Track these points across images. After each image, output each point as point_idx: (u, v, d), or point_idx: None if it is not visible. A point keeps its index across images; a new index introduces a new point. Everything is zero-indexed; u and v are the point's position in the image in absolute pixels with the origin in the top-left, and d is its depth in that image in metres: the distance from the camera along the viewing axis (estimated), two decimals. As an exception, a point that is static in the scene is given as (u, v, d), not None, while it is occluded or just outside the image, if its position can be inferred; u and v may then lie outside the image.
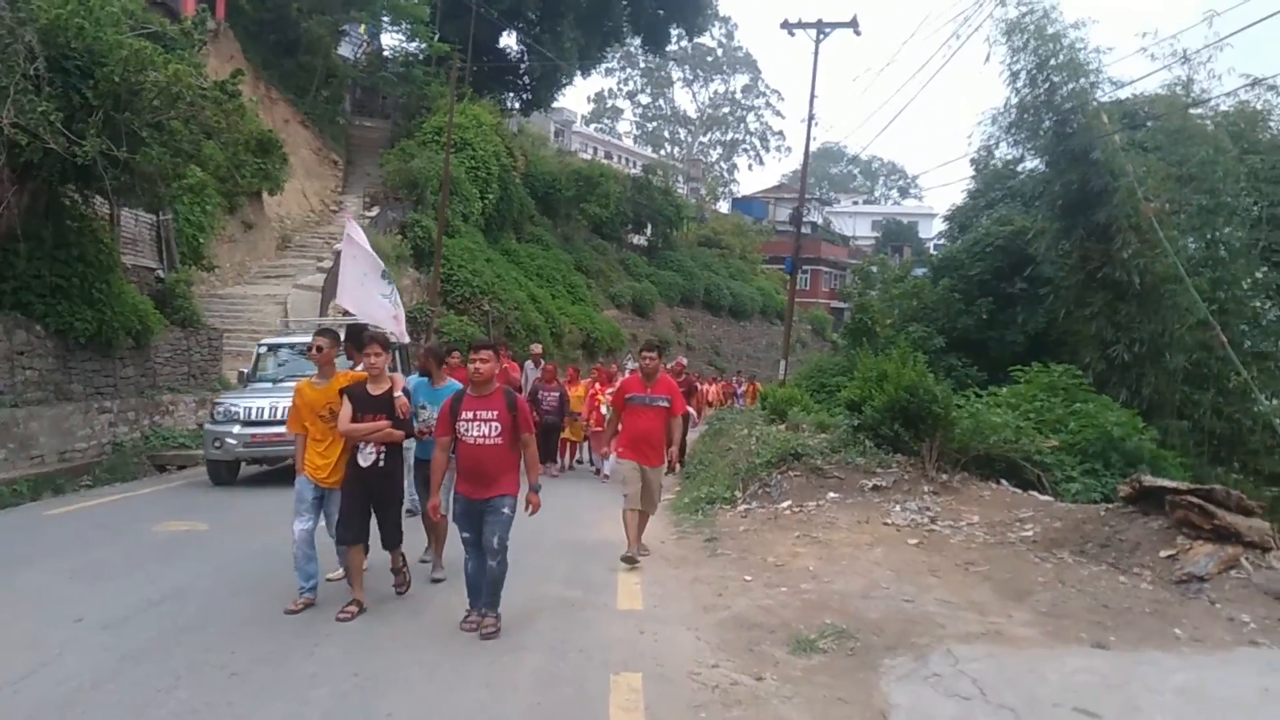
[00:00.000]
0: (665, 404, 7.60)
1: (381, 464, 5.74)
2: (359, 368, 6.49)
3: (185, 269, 16.60)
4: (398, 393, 5.86)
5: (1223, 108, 17.17)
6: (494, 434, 5.45)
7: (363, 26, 32.19)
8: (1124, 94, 16.48)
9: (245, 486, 11.36)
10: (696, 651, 5.21)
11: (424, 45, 31.50)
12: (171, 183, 12.29)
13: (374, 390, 5.82)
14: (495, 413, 5.47)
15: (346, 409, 5.70)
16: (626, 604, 6.25)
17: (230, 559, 7.28)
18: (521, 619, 5.70)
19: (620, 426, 7.76)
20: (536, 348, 16.47)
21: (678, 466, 11.76)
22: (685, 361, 14.99)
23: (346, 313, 12.11)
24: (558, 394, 13.17)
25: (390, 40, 35.25)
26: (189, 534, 8.17)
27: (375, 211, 24.93)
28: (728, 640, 5.42)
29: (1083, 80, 14.87)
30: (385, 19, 30.63)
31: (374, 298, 11.25)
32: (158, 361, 14.46)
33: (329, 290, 19.92)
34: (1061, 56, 14.71)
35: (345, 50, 33.79)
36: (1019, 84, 15.28)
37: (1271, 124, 17.94)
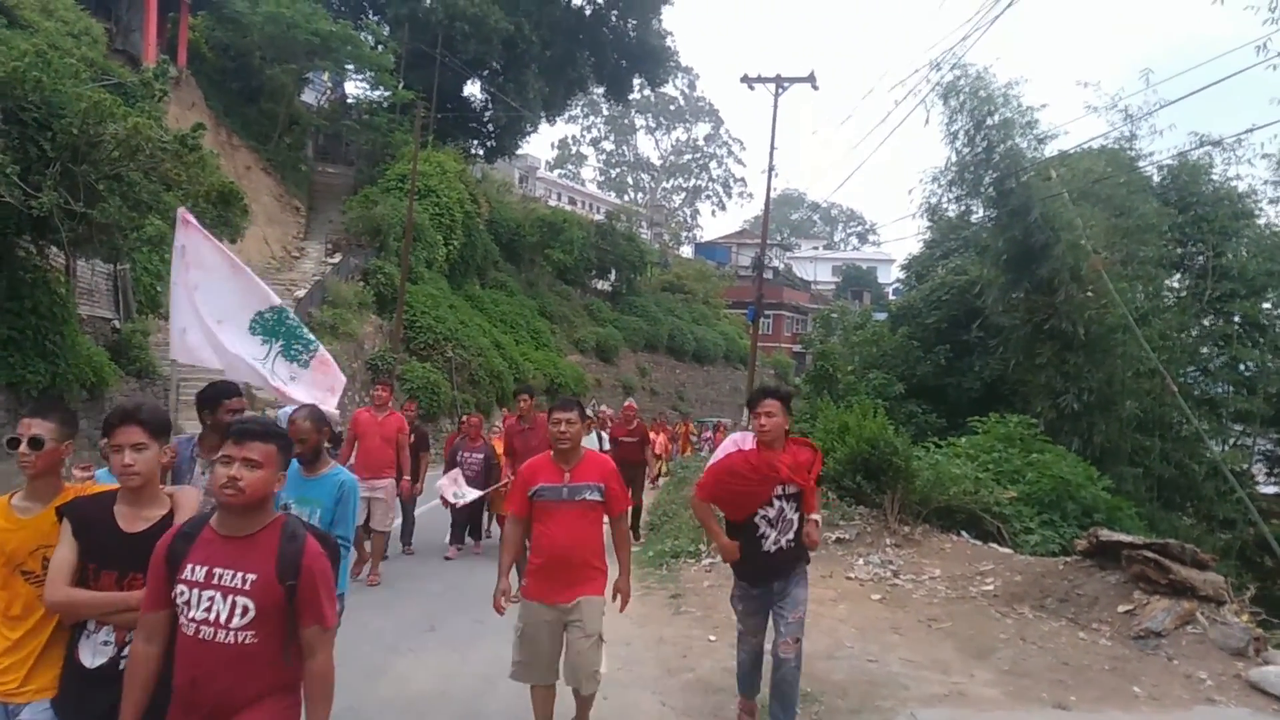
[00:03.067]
0: (596, 497, 4.46)
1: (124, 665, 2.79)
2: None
3: (142, 318, 16.36)
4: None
5: (1166, 160, 17.77)
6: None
7: (326, 74, 32.27)
8: (1066, 145, 16.96)
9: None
10: (660, 718, 5.17)
11: (388, 93, 31.68)
12: (130, 234, 12.13)
13: (131, 517, 2.98)
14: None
15: (65, 552, 2.88)
16: (590, 667, 6.18)
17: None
18: (483, 685, 5.62)
19: (529, 543, 4.67)
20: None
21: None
22: (635, 406, 12.52)
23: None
24: (483, 455, 10.23)
25: (354, 88, 35.39)
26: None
27: (338, 258, 24.83)
28: (692, 706, 5.39)
29: (1018, 139, 15.28)
30: (349, 67, 30.74)
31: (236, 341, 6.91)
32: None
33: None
34: (996, 117, 15.12)
35: (309, 97, 33.84)
36: (958, 144, 15.67)
37: (1214, 175, 18.58)
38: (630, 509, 10.18)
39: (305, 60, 28.12)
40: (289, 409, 5.23)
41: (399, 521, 9.56)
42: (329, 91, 34.93)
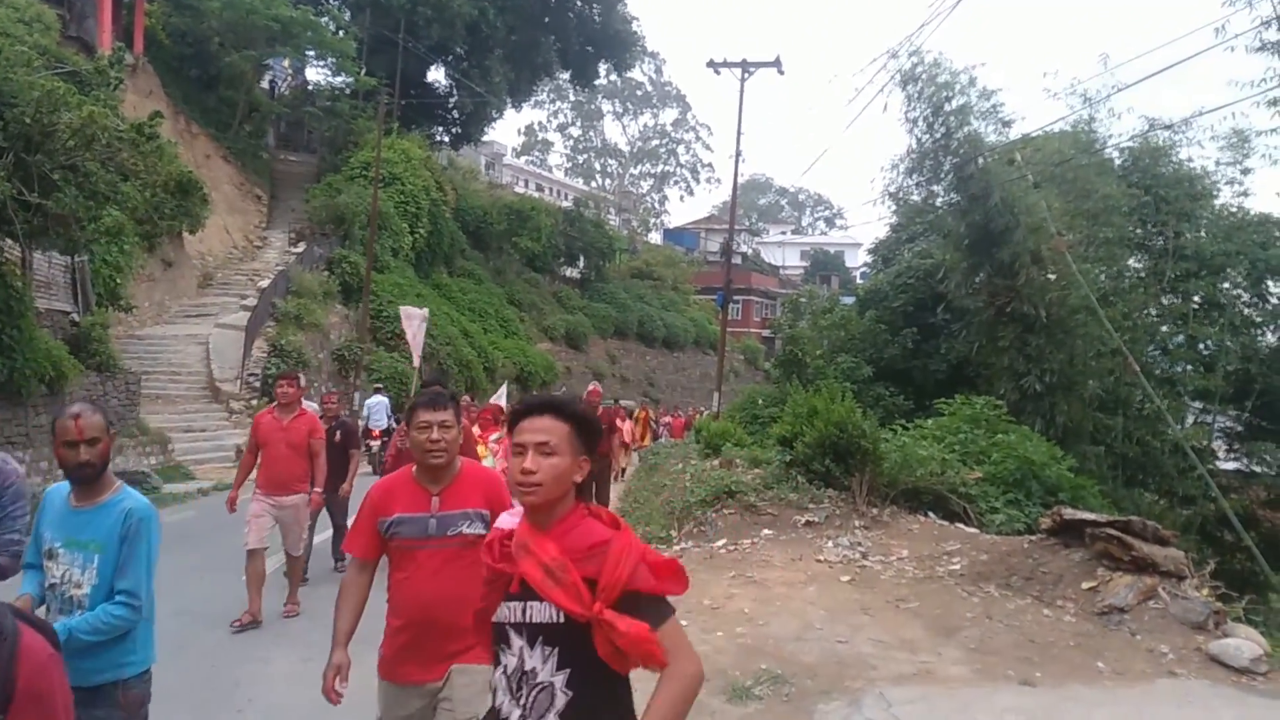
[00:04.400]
0: (479, 529, 3.08)
1: None
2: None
3: (102, 311, 16.07)
4: None
5: (1126, 143, 18.03)
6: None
7: (286, 61, 31.80)
8: (1027, 128, 17.12)
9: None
10: (633, 702, 5.19)
11: (350, 79, 31.31)
12: (87, 226, 11.91)
13: None
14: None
15: None
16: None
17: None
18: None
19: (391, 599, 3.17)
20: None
21: None
22: (600, 390, 11.35)
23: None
24: None
25: (315, 74, 34.96)
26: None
27: (301, 247, 24.55)
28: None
29: (977, 124, 15.41)
30: (310, 53, 30.32)
31: None
32: (72, 409, 13.93)
33: (253, 330, 19.53)
34: (954, 102, 15.22)
35: (269, 84, 33.36)
36: (917, 130, 15.77)
37: (1173, 158, 18.90)
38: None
39: (265, 46, 27.70)
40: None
41: (327, 535, 8.81)
42: (290, 78, 34.45)
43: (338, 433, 8.30)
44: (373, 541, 3.14)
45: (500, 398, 13.64)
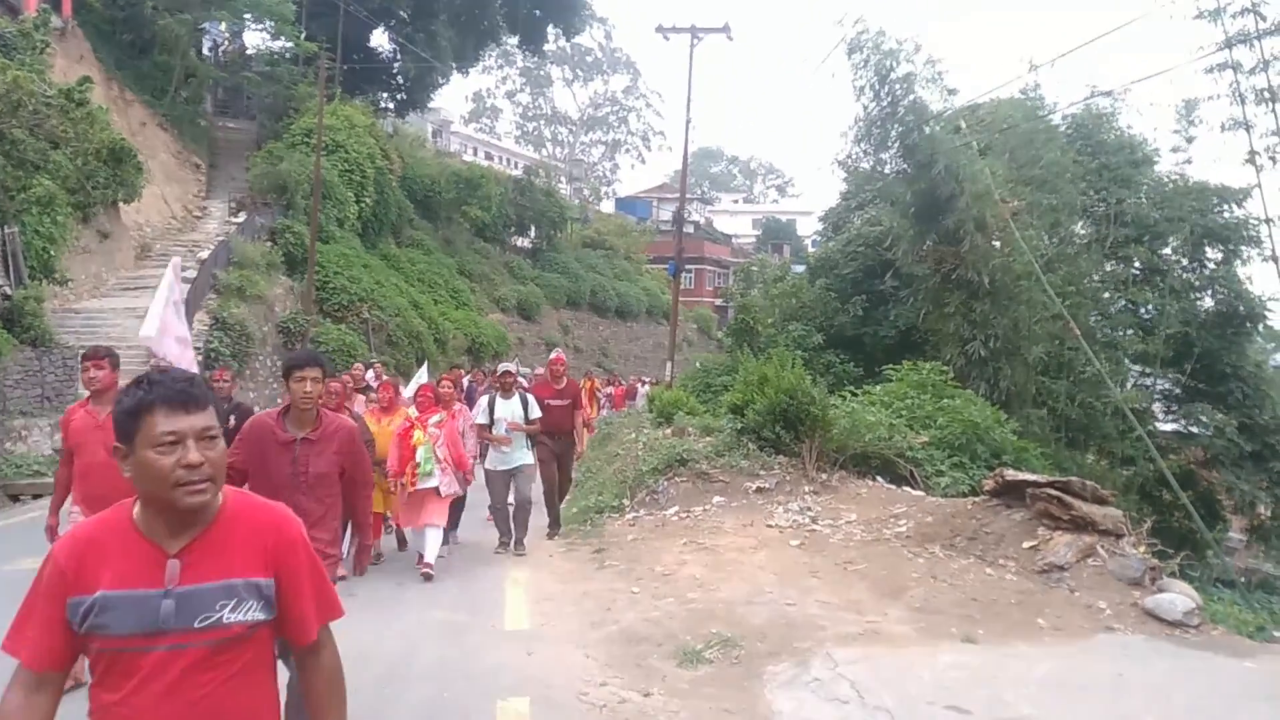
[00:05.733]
0: (256, 615, 1.91)
1: None
2: None
3: (35, 284, 15.51)
4: None
5: (1069, 109, 18.29)
6: None
7: (223, 24, 30.79)
8: (970, 98, 17.25)
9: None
10: (585, 670, 5.21)
11: (290, 44, 30.41)
12: (15, 195, 11.47)
13: None
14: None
15: None
16: (513, 624, 6.20)
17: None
18: (406, 646, 5.58)
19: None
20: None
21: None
22: (564, 359, 9.67)
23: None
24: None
25: (254, 38, 33.89)
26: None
27: (243, 217, 23.91)
28: (616, 656, 5.44)
29: (922, 92, 15.51)
30: (247, 16, 29.36)
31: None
32: (7, 384, 13.49)
33: (193, 302, 19.02)
34: (899, 70, 15.30)
35: (206, 49, 32.28)
36: (864, 99, 15.83)
37: (1115, 125, 19.23)
38: (553, 493, 9.16)
39: (200, 10, 26.78)
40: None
41: None
42: (227, 42, 33.38)
43: (231, 417, 6.38)
44: (55, 642, 1.87)
45: (422, 377, 12.46)
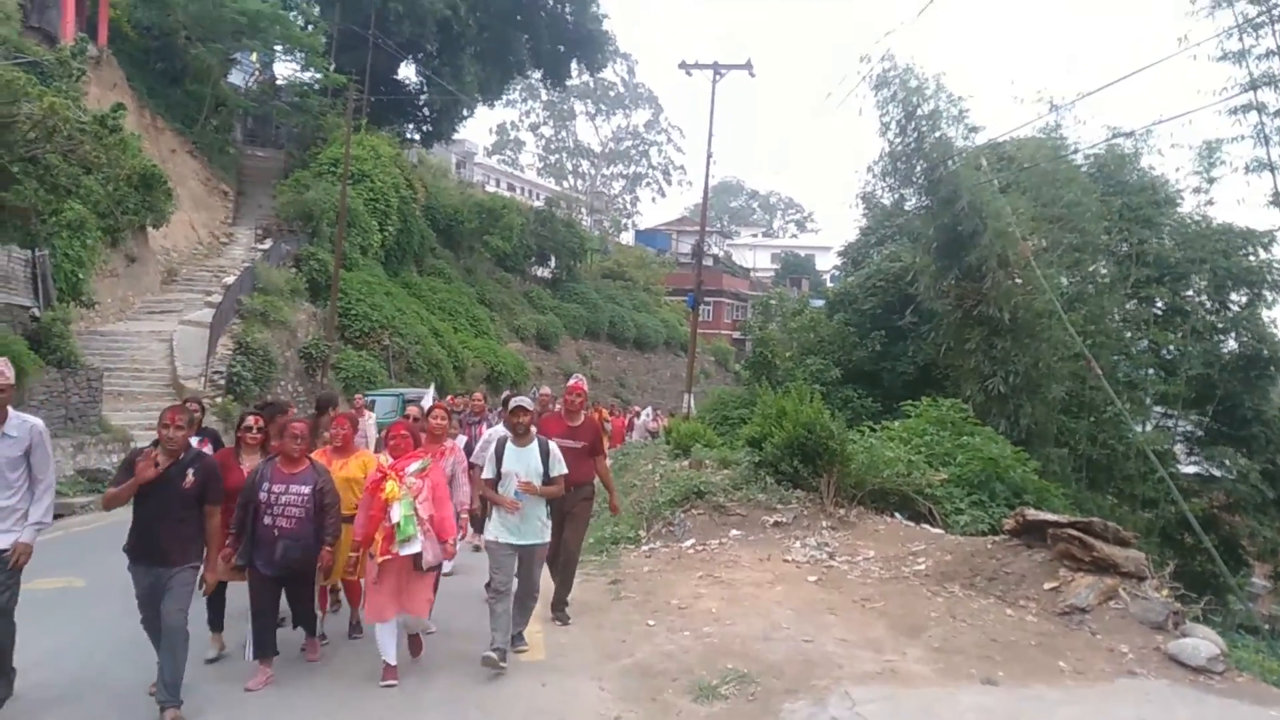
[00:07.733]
0: None
1: None
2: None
3: (63, 306, 15.77)
4: None
5: (1090, 149, 18.30)
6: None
7: (254, 55, 31.41)
8: (991, 136, 17.33)
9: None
10: (599, 703, 5.17)
11: (319, 75, 30.97)
12: (48, 219, 11.70)
13: None
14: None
15: None
16: (528, 655, 6.16)
17: (111, 619, 6.77)
18: (420, 676, 5.56)
19: None
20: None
21: None
22: (585, 386, 7.55)
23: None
24: (309, 487, 5.49)
25: (284, 69, 34.55)
26: (65, 591, 7.70)
27: (268, 244, 24.27)
28: (630, 690, 5.40)
29: (947, 129, 15.60)
30: (278, 48, 29.96)
31: None
32: (32, 405, 13.62)
33: (218, 327, 19.25)
34: (926, 107, 15.41)
35: (236, 79, 32.91)
36: (890, 134, 15.93)
37: (1137, 165, 19.20)
38: None
39: (232, 40, 27.35)
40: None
41: None
42: (257, 73, 34.03)
43: (189, 469, 5.03)
44: None
45: (427, 399, 11.02)
